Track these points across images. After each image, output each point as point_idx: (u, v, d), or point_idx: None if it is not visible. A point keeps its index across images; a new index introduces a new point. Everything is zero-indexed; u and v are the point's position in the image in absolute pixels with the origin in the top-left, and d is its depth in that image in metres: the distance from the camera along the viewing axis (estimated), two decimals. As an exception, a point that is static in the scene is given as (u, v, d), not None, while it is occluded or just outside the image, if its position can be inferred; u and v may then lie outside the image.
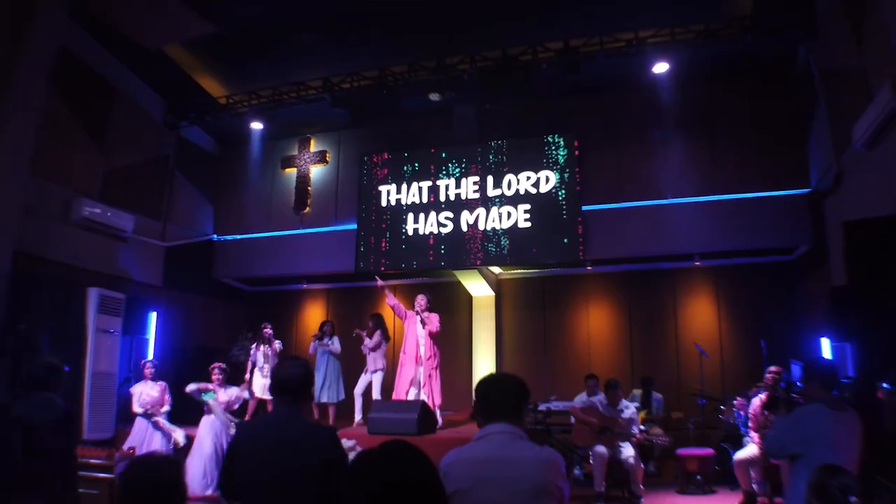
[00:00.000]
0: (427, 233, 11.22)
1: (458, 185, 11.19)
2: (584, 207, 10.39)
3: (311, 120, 12.35)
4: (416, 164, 11.58)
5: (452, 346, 11.93)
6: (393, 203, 11.59)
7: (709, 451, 7.94)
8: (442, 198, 11.25)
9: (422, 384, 8.46)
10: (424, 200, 11.37)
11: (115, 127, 10.72)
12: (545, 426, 8.68)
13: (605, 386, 7.74)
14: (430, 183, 11.40)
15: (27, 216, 8.59)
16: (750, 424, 7.11)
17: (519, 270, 11.79)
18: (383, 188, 11.73)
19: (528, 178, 10.73)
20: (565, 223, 10.33)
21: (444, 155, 11.41)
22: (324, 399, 9.99)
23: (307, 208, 12.54)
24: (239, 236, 12.90)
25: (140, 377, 8.97)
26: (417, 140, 11.77)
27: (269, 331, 10.31)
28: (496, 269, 11.72)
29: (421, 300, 8.85)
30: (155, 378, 8.87)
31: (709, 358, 9.81)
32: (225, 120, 11.99)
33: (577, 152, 10.57)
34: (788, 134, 9.58)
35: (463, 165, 11.24)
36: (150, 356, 10.61)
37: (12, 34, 8.30)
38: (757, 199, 9.67)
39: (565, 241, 10.27)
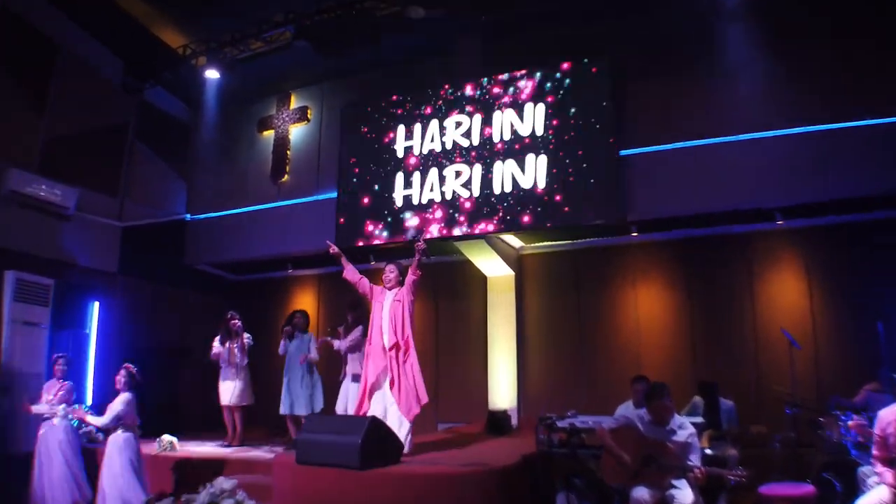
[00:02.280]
0: (422, 197, 8.93)
1: (460, 135, 8.84)
2: (624, 152, 7.90)
3: (289, 72, 10.42)
4: (408, 113, 9.31)
5: (463, 340, 9.74)
6: (380, 163, 9.34)
7: (807, 488, 5.36)
8: (440, 152, 8.94)
9: (390, 386, 6.17)
10: (418, 158, 9.09)
11: (59, 90, 9.12)
12: (571, 450, 6.17)
13: (645, 396, 5.25)
14: (424, 135, 9.10)
15: None
16: (874, 451, 4.56)
17: (544, 242, 9.34)
18: (369, 146, 9.48)
19: (548, 119, 8.30)
20: (599, 174, 7.86)
21: (441, 98, 9.11)
22: (297, 411, 7.89)
23: (285, 176, 10.52)
24: (212, 214, 10.96)
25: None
26: (409, 85, 9.51)
27: (237, 322, 8.22)
28: (515, 242, 9.31)
29: (389, 270, 6.59)
30: (66, 377, 7.19)
31: (801, 350, 7.11)
32: (192, 79, 10.09)
33: (612, 83, 8.09)
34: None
35: (466, 108, 8.89)
36: (92, 354, 8.79)
37: None
38: (861, 129, 7.09)
39: (600, 196, 7.80)
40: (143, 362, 9.59)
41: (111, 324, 9.31)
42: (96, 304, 9.00)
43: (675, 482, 4.81)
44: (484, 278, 9.49)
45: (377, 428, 5.25)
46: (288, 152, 10.57)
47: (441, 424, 9.45)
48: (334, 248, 6.66)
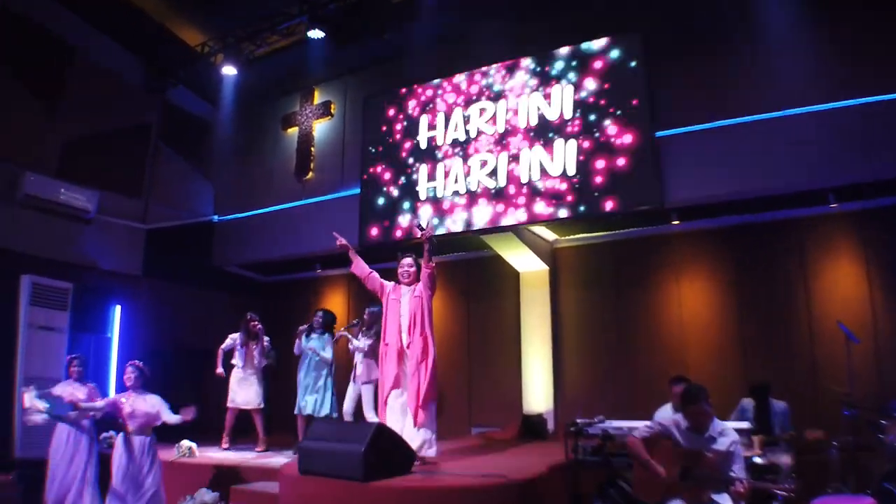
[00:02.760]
0: (446, 189, 8.49)
1: (485, 122, 8.37)
2: (659, 133, 7.29)
3: (311, 67, 10.03)
4: (431, 102, 8.90)
5: (496, 339, 9.23)
6: (403, 155, 8.94)
7: (866, 501, 4.70)
8: (464, 141, 8.48)
9: (405, 388, 5.73)
10: (442, 148, 8.65)
11: (77, 93, 9.04)
12: (604, 458, 5.63)
13: (681, 400, 4.68)
14: (448, 124, 8.66)
15: None
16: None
17: (580, 234, 8.77)
18: (391, 138, 9.10)
19: (577, 101, 7.74)
20: (633, 158, 7.26)
21: (464, 84, 8.66)
22: (307, 410, 7.59)
23: (310, 173, 10.22)
24: (239, 215, 10.75)
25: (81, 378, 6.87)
26: (432, 73, 9.06)
27: (257, 324, 7.93)
28: (549, 235, 8.78)
29: (406, 263, 6.11)
30: (83, 379, 6.81)
31: (860, 344, 6.38)
32: (214, 77, 9.90)
33: (644, 60, 7.46)
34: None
35: (490, 94, 8.42)
36: (114, 358, 8.64)
37: None
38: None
39: (634, 182, 7.20)
40: (168, 365, 9.58)
41: (134, 327, 9.16)
42: (118, 308, 8.84)
43: (715, 496, 4.25)
44: (516, 274, 9.00)
45: (383, 436, 4.81)
46: (312, 149, 10.29)
47: (475, 429, 9.00)
48: (341, 241, 6.20)
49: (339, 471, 4.67)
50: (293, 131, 10.58)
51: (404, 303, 5.90)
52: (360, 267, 6.17)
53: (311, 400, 7.65)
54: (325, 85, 10.45)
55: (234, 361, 7.84)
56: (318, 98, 10.46)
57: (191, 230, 10.61)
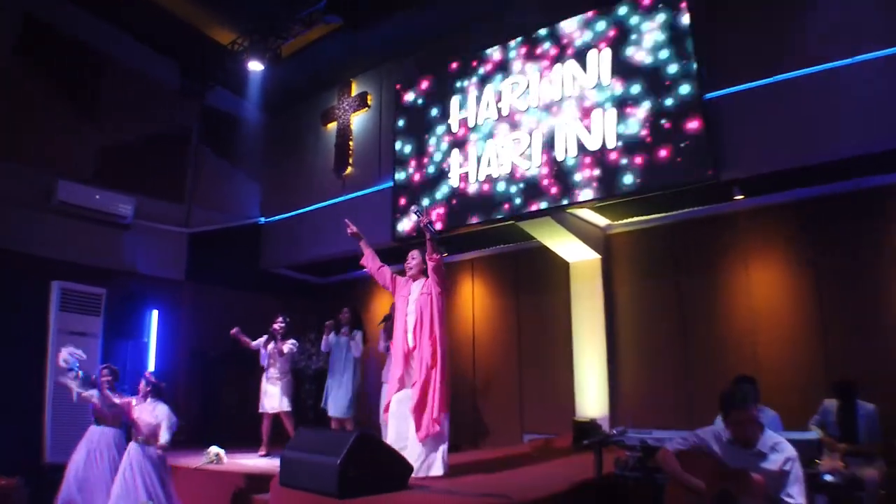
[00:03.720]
0: (479, 173, 7.82)
1: (517, 97, 7.66)
2: (709, 95, 6.32)
3: (347, 59, 9.80)
4: (461, 82, 8.26)
5: (547, 338, 8.43)
6: (436, 141, 8.35)
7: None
8: (496, 120, 7.80)
9: (410, 393, 5.09)
10: (474, 129, 7.99)
11: (112, 99, 9.04)
12: (646, 473, 4.76)
13: (721, 403, 3.77)
14: (479, 103, 8.01)
15: None
16: None
17: (634, 217, 7.83)
18: (424, 123, 8.56)
19: (615, 65, 6.88)
20: (681, 125, 6.33)
21: (495, 59, 7.98)
22: (330, 411, 7.31)
23: (349, 168, 9.78)
24: (285, 215, 10.48)
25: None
26: (463, 52, 8.42)
27: (275, 326, 7.53)
28: (599, 220, 7.91)
29: (410, 257, 5.51)
30: (115, 389, 6.47)
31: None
32: (251, 77, 9.61)
33: (688, 10, 6.50)
34: None
35: (522, 66, 7.70)
36: (152, 363, 8.51)
37: None
38: None
39: (684, 152, 6.26)
40: (211, 371, 9.43)
41: (174, 332, 9.02)
42: (155, 313, 8.71)
43: (761, 529, 3.40)
44: (566, 265, 8.18)
45: (367, 447, 4.18)
46: (350, 142, 9.87)
47: (527, 436, 8.25)
48: (352, 228, 5.64)
49: (316, 485, 4.10)
50: (333, 126, 10.21)
51: (412, 300, 5.31)
52: (370, 259, 5.62)
53: (333, 401, 7.33)
54: (362, 76, 10.02)
55: (262, 363, 7.49)
56: (354, 90, 10.05)
57: (237, 233, 10.43)
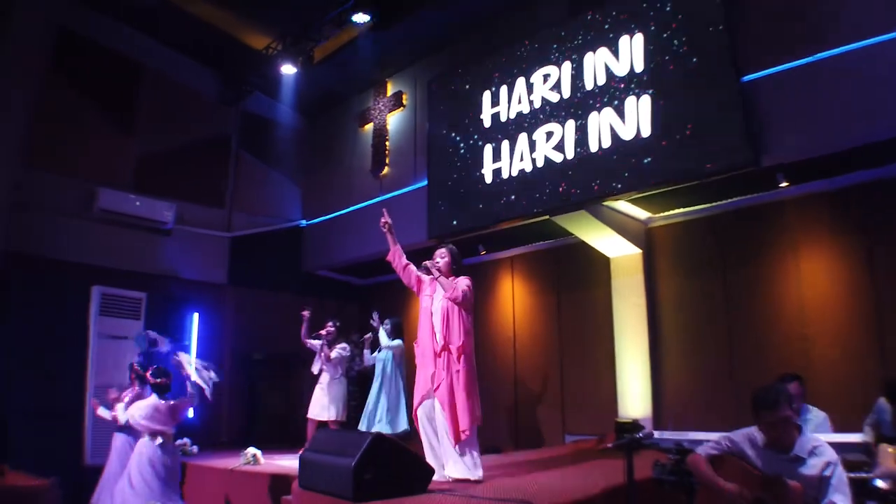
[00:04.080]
0: (511, 168, 7.64)
1: (549, 89, 7.44)
2: (747, 77, 5.96)
3: (382, 59, 9.77)
4: (493, 76, 8.09)
5: (588, 336, 8.21)
6: (468, 137, 8.21)
7: None
8: (528, 114, 7.61)
9: (438, 400, 4.92)
10: (506, 124, 7.81)
11: (150, 108, 9.23)
12: (682, 476, 4.46)
13: (752, 404, 3.46)
14: (511, 97, 7.82)
15: (28, 213, 7.58)
16: None
17: (676, 210, 7.50)
18: (455, 120, 8.43)
19: (648, 50, 6.58)
20: (717, 110, 5.98)
21: (527, 51, 7.76)
22: (381, 429, 6.97)
23: (385, 168, 9.71)
24: (325, 217, 10.51)
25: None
26: (494, 46, 8.26)
27: (321, 331, 7.46)
28: (639, 213, 7.61)
29: (439, 255, 5.28)
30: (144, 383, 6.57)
31: None
32: (288, 81, 9.68)
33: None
34: None
35: (553, 57, 7.47)
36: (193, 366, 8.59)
37: None
38: None
39: (721, 138, 5.92)
40: (254, 373, 9.49)
41: (216, 335, 9.12)
42: (196, 316, 8.81)
43: (799, 540, 3.12)
44: (607, 261, 7.90)
45: (383, 448, 4.05)
46: (387, 142, 9.82)
47: (568, 437, 8.01)
48: (387, 218, 5.27)
49: (332, 487, 4.00)
50: (369, 127, 10.17)
51: (437, 299, 5.11)
52: (396, 256, 5.31)
53: (390, 416, 7.15)
54: (397, 76, 9.96)
55: (312, 370, 7.44)
56: (390, 90, 9.99)
57: (278, 236, 10.51)
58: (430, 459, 4.77)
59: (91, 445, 7.15)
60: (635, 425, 7.06)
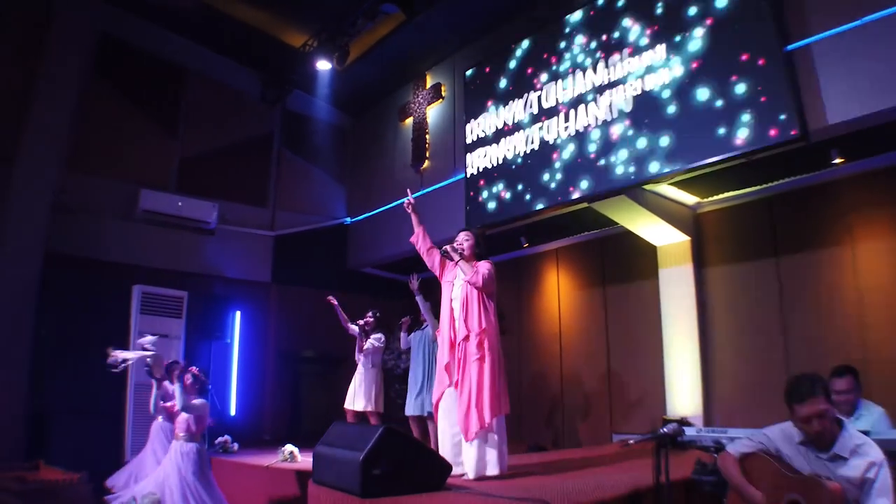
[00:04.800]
0: (548, 156, 7.36)
1: (587, 71, 7.13)
2: (791, 46, 5.50)
3: (421, 52, 9.68)
4: (530, 62, 7.84)
5: (635, 329, 7.86)
6: (505, 124, 7.98)
7: None
8: (565, 99, 7.31)
9: (458, 384, 4.69)
10: (543, 110, 7.55)
11: (191, 109, 9.41)
12: (720, 477, 4.10)
13: (785, 396, 3.10)
14: (547, 82, 7.56)
15: (72, 215, 7.79)
16: None
17: (725, 194, 7.05)
18: (492, 108, 8.19)
19: (684, 20, 6.17)
20: (759, 82, 5.54)
21: (565, 32, 7.45)
22: (409, 410, 6.81)
23: (426, 162, 9.56)
24: (369, 214, 10.46)
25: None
26: (531, 31, 7.96)
27: (364, 320, 7.34)
28: (687, 198, 7.20)
29: (461, 238, 5.00)
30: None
31: None
32: (328, 78, 9.68)
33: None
34: None
35: (591, 36, 7.17)
36: (234, 362, 8.68)
37: (33, 30, 7.66)
38: None
39: (764, 111, 5.48)
40: (297, 370, 9.50)
41: (260, 333, 9.16)
42: (238, 314, 8.87)
43: (838, 548, 2.77)
44: (654, 249, 7.52)
45: (395, 443, 3.87)
46: (427, 135, 9.67)
47: (616, 436, 7.65)
48: (411, 200, 5.06)
49: (341, 482, 3.84)
50: (409, 121, 10.06)
51: (457, 285, 4.87)
52: (420, 238, 5.01)
53: (416, 400, 7.00)
54: (436, 68, 9.82)
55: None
56: (429, 83, 9.85)
57: (322, 234, 10.51)
58: (449, 455, 4.57)
59: (131, 442, 7.24)
60: (684, 423, 6.67)
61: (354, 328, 7.25)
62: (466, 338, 4.70)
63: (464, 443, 4.56)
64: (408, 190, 5.12)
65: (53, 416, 6.90)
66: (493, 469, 4.54)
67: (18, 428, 6.81)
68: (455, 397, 4.69)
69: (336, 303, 7.21)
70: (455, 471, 4.40)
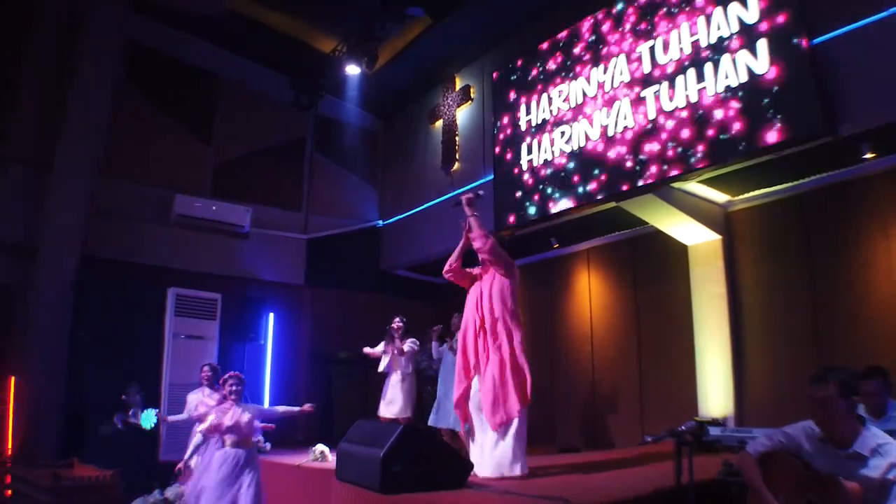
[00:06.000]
0: (573, 155, 7.35)
1: (611, 69, 7.12)
2: (818, 39, 5.39)
3: (450, 55, 9.72)
4: (557, 60, 7.86)
5: (666, 330, 7.72)
6: (534, 124, 7.98)
7: None
8: (592, 96, 7.29)
9: (479, 383, 4.69)
10: (571, 108, 7.53)
11: (224, 115, 9.59)
12: (742, 481, 4.01)
13: (811, 378, 3.02)
14: (574, 79, 7.55)
15: (107, 220, 8.02)
16: None
17: (756, 192, 6.92)
18: (521, 107, 8.19)
19: (706, 16, 6.09)
20: (785, 77, 5.43)
21: (591, 31, 7.47)
22: (438, 423, 6.73)
23: (456, 164, 9.60)
24: (401, 216, 10.54)
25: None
26: (557, 30, 7.95)
27: (391, 325, 7.42)
28: (718, 196, 7.09)
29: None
30: (215, 385, 6.65)
31: None
32: (357, 83, 9.81)
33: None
34: None
35: (616, 35, 7.16)
36: (268, 364, 8.81)
37: (66, 40, 7.90)
38: None
39: (791, 108, 5.38)
40: (331, 372, 9.60)
41: (294, 334, 9.29)
42: (272, 316, 9.02)
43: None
44: (684, 249, 7.43)
45: (415, 440, 3.90)
46: (456, 137, 9.72)
47: (648, 438, 7.53)
48: (469, 195, 5.03)
49: (362, 478, 3.90)
50: (439, 124, 10.12)
51: (485, 279, 4.89)
52: (477, 228, 4.84)
53: (444, 411, 6.98)
54: (465, 70, 9.86)
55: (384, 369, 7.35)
56: (458, 85, 9.89)
57: (355, 236, 10.62)
58: (476, 456, 4.58)
59: (165, 442, 7.41)
60: (713, 423, 6.57)
61: (374, 351, 7.26)
62: (484, 327, 4.70)
63: (489, 438, 4.54)
64: (476, 192, 5.12)
65: (90, 415, 7.10)
66: (514, 468, 4.49)
67: (56, 428, 7.04)
68: (474, 396, 4.69)
69: (368, 352, 7.25)
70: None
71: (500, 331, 4.61)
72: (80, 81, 7.82)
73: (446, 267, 5.08)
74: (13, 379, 6.98)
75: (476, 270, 5.08)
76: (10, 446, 6.80)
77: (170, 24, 9.00)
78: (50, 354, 7.16)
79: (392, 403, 7.10)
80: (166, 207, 8.52)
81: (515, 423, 4.48)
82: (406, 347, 7.19)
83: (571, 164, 7.38)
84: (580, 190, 7.25)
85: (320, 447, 6.91)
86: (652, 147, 6.51)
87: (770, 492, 3.03)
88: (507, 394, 4.47)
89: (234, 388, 5.49)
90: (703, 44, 6.16)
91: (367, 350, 7.34)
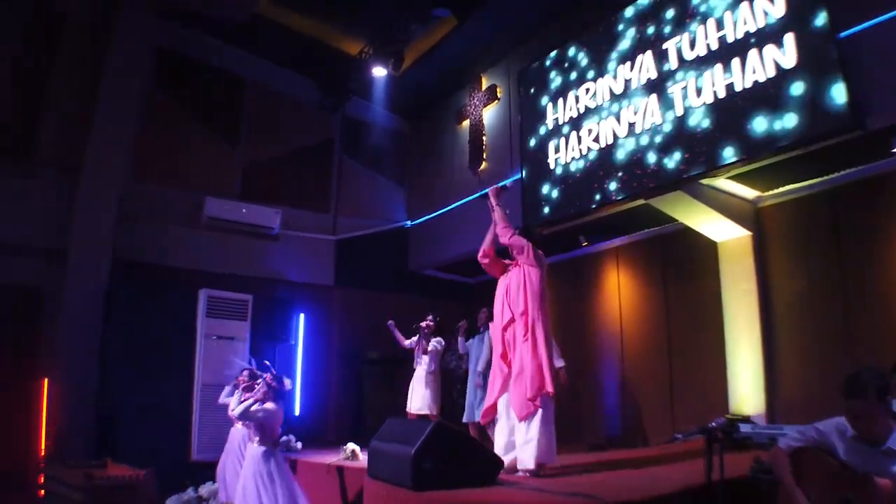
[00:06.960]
0: (600, 153, 7.34)
1: (636, 66, 7.13)
2: (845, 33, 5.32)
3: (477, 55, 9.75)
4: (582, 56, 7.87)
5: (696, 327, 7.64)
6: (559, 121, 8.02)
7: None
8: (618, 92, 7.30)
9: (510, 364, 4.74)
10: (596, 105, 7.52)
11: (252, 118, 9.73)
12: (772, 478, 3.99)
13: (843, 386, 3.01)
14: (600, 76, 7.56)
15: (138, 223, 8.20)
16: None
17: (787, 186, 6.83)
18: (545, 106, 8.21)
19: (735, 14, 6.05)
20: (811, 72, 5.38)
21: (614, 28, 7.44)
22: (466, 417, 7.03)
23: (483, 163, 9.63)
24: (429, 216, 10.61)
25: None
26: (583, 27, 7.95)
27: (425, 323, 7.52)
28: (747, 192, 7.02)
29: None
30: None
31: None
32: (385, 84, 9.90)
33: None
34: None
35: (640, 30, 7.14)
36: (298, 363, 8.93)
37: (94, 45, 8.07)
38: None
39: (817, 103, 5.32)
40: (361, 372, 9.69)
41: (324, 335, 9.40)
42: (302, 316, 9.14)
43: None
44: (714, 246, 7.37)
45: (446, 437, 3.96)
46: (483, 137, 9.75)
47: (678, 436, 7.49)
48: (503, 185, 5.34)
49: (394, 476, 3.97)
50: (466, 124, 10.16)
51: (513, 272, 4.95)
52: (504, 225, 5.07)
53: (471, 406, 7.09)
54: (491, 70, 9.89)
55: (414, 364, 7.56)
56: (484, 84, 9.92)
57: (383, 237, 10.70)
58: (503, 452, 4.63)
59: (197, 442, 7.54)
60: (744, 421, 6.52)
61: (411, 342, 7.42)
62: (512, 320, 4.76)
63: (518, 430, 4.58)
64: (505, 185, 5.40)
65: (122, 416, 7.23)
66: (542, 458, 4.51)
67: (89, 428, 7.18)
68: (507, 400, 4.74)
69: (393, 324, 7.40)
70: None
71: (528, 324, 4.68)
72: (110, 87, 8.01)
73: (481, 253, 5.16)
74: (46, 380, 7.14)
75: (508, 262, 5.14)
76: (43, 447, 6.97)
77: (197, 30, 9.15)
78: (82, 356, 7.33)
79: (414, 399, 7.30)
80: (196, 210, 8.67)
81: (541, 413, 4.53)
82: (430, 346, 7.32)
83: (599, 162, 7.37)
84: (608, 187, 7.24)
85: (351, 446, 7.00)
86: (679, 143, 6.48)
87: (801, 487, 3.03)
88: (534, 385, 4.53)
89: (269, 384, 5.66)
90: (730, 39, 6.13)
91: (398, 336, 7.57)
